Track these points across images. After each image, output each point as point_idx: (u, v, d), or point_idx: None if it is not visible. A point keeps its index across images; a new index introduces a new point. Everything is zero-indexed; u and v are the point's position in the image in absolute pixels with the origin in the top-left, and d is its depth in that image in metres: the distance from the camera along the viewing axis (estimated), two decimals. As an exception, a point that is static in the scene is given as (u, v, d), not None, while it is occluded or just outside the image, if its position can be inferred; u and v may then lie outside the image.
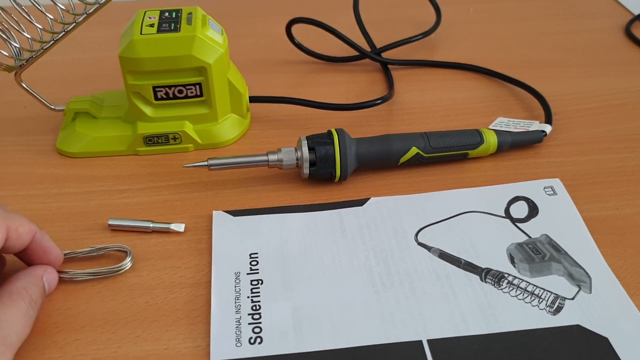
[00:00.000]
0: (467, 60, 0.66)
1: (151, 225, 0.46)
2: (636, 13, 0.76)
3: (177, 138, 0.53)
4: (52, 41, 0.50)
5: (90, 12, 0.49)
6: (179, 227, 0.46)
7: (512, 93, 0.62)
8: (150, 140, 0.53)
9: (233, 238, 0.45)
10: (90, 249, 0.44)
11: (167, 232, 0.46)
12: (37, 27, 0.48)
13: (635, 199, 0.49)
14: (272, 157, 0.49)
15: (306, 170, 0.49)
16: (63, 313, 0.40)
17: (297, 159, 0.49)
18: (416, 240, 0.45)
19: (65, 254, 0.43)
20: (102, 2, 0.49)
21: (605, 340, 0.38)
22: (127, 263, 0.43)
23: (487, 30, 0.73)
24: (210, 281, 0.42)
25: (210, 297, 0.41)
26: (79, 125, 0.54)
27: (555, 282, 0.42)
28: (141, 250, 0.45)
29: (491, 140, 0.51)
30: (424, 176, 0.51)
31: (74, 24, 0.50)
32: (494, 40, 0.71)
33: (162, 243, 0.45)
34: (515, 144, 0.52)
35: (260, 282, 0.42)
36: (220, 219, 0.47)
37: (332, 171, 0.49)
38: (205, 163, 0.48)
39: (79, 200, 0.49)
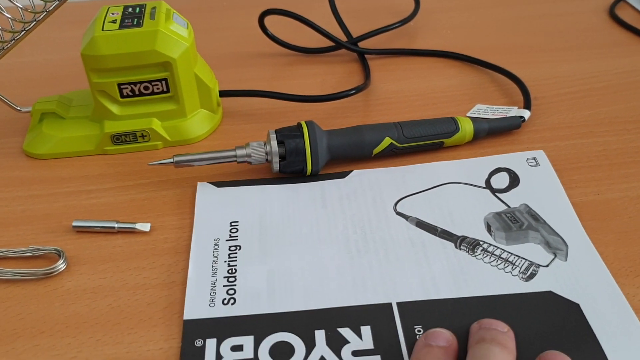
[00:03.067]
0: (447, 48, 0.65)
1: (116, 225, 0.45)
2: (621, -6, 0.74)
3: (146, 136, 0.52)
4: (13, 40, 0.49)
5: (50, 9, 0.48)
6: (145, 226, 0.45)
7: (492, 79, 0.60)
8: (118, 139, 0.51)
9: (215, 207, 0.46)
10: (24, 249, 0.43)
11: (133, 232, 0.45)
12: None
13: (616, 184, 0.47)
14: (240, 152, 0.47)
15: (276, 165, 0.47)
16: (23, 319, 0.39)
17: (266, 154, 0.47)
18: (395, 210, 0.45)
19: None
20: (60, -1, 0.48)
21: (576, 306, 0.38)
22: (61, 265, 0.42)
23: (467, 16, 0.72)
24: (176, 281, 0.41)
25: (176, 296, 0.40)
26: (46, 126, 0.53)
27: (532, 250, 0.42)
28: (106, 252, 0.44)
29: (467, 128, 0.50)
30: (405, 166, 0.49)
31: (35, 22, 0.49)
32: (474, 26, 0.70)
33: (127, 243, 0.44)
34: (492, 131, 0.51)
35: (238, 247, 0.43)
36: (204, 189, 0.47)
37: (303, 165, 0.47)
38: (171, 160, 0.47)
39: (44, 202, 0.48)
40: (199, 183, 0.48)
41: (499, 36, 0.67)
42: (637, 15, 0.70)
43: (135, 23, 0.49)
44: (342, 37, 0.66)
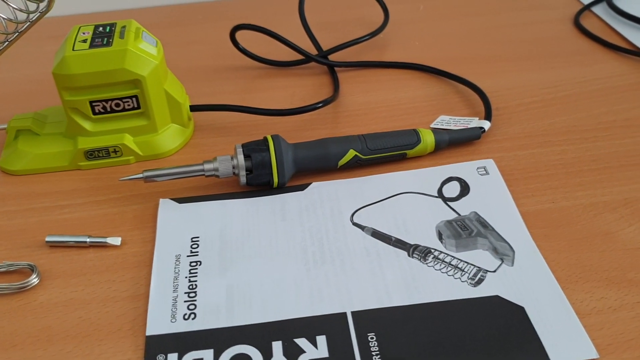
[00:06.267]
0: (415, 59, 0.67)
1: (88, 240, 0.46)
2: (586, 3, 0.76)
3: (118, 151, 0.53)
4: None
5: (33, 19, 0.50)
6: (115, 240, 0.46)
7: (456, 90, 0.62)
8: (91, 154, 0.53)
9: (177, 223, 0.48)
10: None
11: (104, 246, 0.46)
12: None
13: (571, 192, 0.49)
14: (207, 167, 0.49)
15: (243, 179, 0.49)
16: (-4, 332, 0.41)
17: (233, 167, 0.49)
18: (352, 220, 0.47)
19: None
20: (43, 9, 0.49)
21: (521, 309, 0.40)
22: (34, 279, 0.43)
23: (436, 27, 0.74)
24: (143, 293, 0.43)
25: (144, 308, 0.42)
26: (21, 142, 0.54)
27: (480, 256, 0.44)
28: (78, 265, 0.45)
29: (428, 140, 0.52)
30: (362, 177, 0.51)
31: (17, 33, 0.50)
32: (443, 37, 0.72)
33: (99, 257, 0.46)
34: (453, 142, 0.53)
35: (199, 263, 0.44)
36: (165, 205, 0.49)
37: (269, 177, 0.49)
38: (141, 175, 0.48)
39: (19, 217, 0.49)
40: (161, 200, 0.49)
41: (466, 47, 0.69)
42: (601, 24, 0.72)
43: (105, 42, 0.50)
44: (313, 50, 0.68)
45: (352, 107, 0.60)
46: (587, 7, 0.75)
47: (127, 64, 0.49)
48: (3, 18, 0.49)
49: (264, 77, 0.66)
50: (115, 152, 0.53)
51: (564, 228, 0.46)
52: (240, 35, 0.69)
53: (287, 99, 0.62)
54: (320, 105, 0.57)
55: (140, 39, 0.51)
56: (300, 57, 0.67)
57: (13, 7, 0.49)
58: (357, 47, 0.70)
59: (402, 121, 0.58)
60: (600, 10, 0.74)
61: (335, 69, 0.65)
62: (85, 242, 0.46)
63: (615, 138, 0.54)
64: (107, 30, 0.52)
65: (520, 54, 0.67)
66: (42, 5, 0.49)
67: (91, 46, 0.50)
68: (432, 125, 0.56)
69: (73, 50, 0.49)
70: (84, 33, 0.52)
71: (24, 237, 0.48)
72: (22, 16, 0.50)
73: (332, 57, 0.68)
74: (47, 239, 0.46)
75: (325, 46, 0.69)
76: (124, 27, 0.52)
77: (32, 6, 0.49)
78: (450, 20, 0.75)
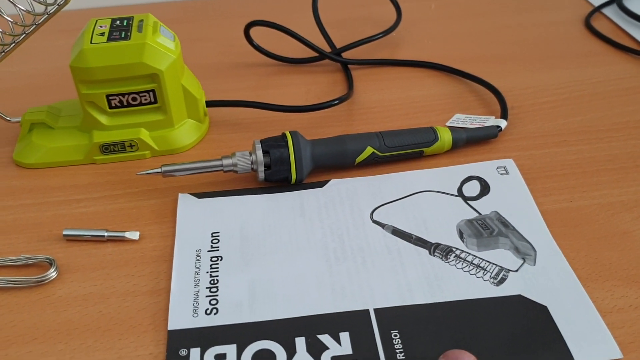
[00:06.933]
0: (428, 57, 0.67)
1: (105, 234, 0.46)
2: (596, 5, 0.76)
3: (134, 145, 0.53)
4: (14, 43, 0.50)
5: (51, 12, 0.49)
6: (134, 235, 0.46)
7: (471, 89, 0.62)
8: (107, 148, 0.53)
9: (196, 218, 0.47)
10: (16, 257, 0.44)
11: (122, 240, 0.46)
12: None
13: (588, 191, 0.49)
14: (226, 162, 0.49)
15: (262, 174, 0.49)
16: (16, 326, 0.40)
17: (252, 163, 0.49)
18: (371, 218, 0.47)
19: None
20: (61, 2, 0.49)
21: (544, 309, 0.40)
22: (52, 273, 0.43)
23: (447, 26, 0.74)
24: (164, 288, 0.43)
25: (164, 303, 0.41)
26: (36, 136, 0.54)
27: (502, 256, 0.44)
28: (96, 260, 0.45)
29: (446, 138, 0.52)
30: (381, 175, 0.51)
31: (35, 25, 0.50)
32: (455, 36, 0.72)
33: (117, 252, 0.45)
34: (470, 140, 0.53)
35: (219, 258, 0.44)
36: (185, 200, 0.49)
37: (287, 174, 0.49)
38: (159, 170, 0.48)
39: (35, 211, 0.49)
40: (180, 194, 0.49)
41: (479, 46, 0.69)
42: (612, 25, 0.72)
43: (123, 36, 0.50)
44: (326, 48, 0.68)
45: (366, 104, 0.60)
46: (598, 9, 0.75)
47: (145, 58, 0.49)
48: (22, 10, 0.48)
49: (277, 73, 0.66)
50: (131, 146, 0.53)
51: (582, 227, 0.46)
52: (252, 32, 0.69)
53: (300, 96, 0.62)
54: (337, 102, 0.57)
55: (158, 33, 0.51)
56: (312, 54, 0.67)
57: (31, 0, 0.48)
58: (368, 45, 0.70)
59: (416, 119, 0.58)
60: (610, 11, 0.75)
61: (349, 66, 0.65)
62: (103, 236, 0.46)
63: (630, 138, 0.54)
64: (125, 23, 0.52)
65: (532, 54, 0.67)
66: (60, -3, 0.49)
67: (109, 39, 0.50)
68: (447, 124, 0.56)
69: (91, 43, 0.49)
70: (101, 26, 0.51)
71: (40, 231, 0.47)
72: (39, 9, 0.50)
73: (345, 55, 0.68)
74: (65, 232, 0.46)
75: (337, 44, 0.69)
76: (141, 21, 0.52)
77: (50, -1, 0.49)
78: (462, 19, 0.75)
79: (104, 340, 0.39)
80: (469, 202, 0.48)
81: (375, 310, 0.40)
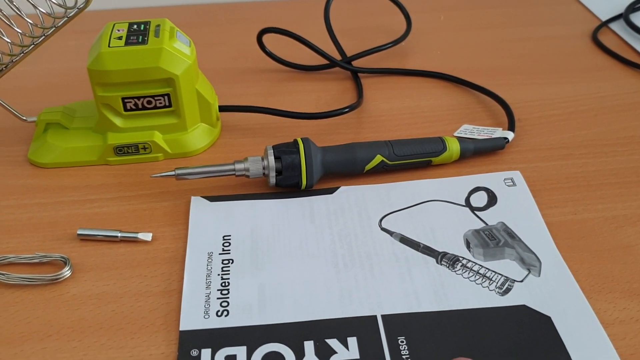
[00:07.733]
0: (437, 68, 0.68)
1: (119, 234, 0.47)
2: (603, 19, 0.77)
3: (147, 148, 0.54)
4: (33, 45, 0.51)
5: (70, 15, 0.50)
6: (147, 236, 0.47)
7: (479, 100, 0.63)
8: (121, 150, 0.54)
9: (208, 221, 0.48)
10: (31, 255, 0.45)
11: (135, 241, 0.47)
12: (17, 31, 0.49)
13: (593, 204, 0.50)
14: (238, 167, 0.50)
15: (273, 180, 0.50)
16: (31, 322, 0.41)
17: (263, 168, 0.50)
18: (380, 225, 0.48)
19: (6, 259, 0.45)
20: (81, 6, 0.50)
21: (548, 319, 0.41)
22: (66, 272, 0.44)
23: (456, 37, 0.75)
24: (176, 289, 0.43)
25: (176, 304, 0.42)
26: (51, 136, 0.55)
27: (507, 266, 0.44)
28: (110, 259, 0.46)
29: (454, 148, 0.53)
30: (389, 183, 0.52)
31: (54, 28, 0.51)
32: (464, 47, 0.73)
33: (130, 252, 0.46)
34: (477, 151, 0.54)
35: (231, 261, 0.45)
36: (197, 203, 0.50)
37: (298, 179, 0.50)
38: (173, 173, 0.49)
39: (49, 210, 0.50)
40: (192, 197, 0.50)
41: (487, 58, 0.70)
42: (618, 40, 0.73)
43: (140, 40, 0.51)
44: (337, 56, 0.69)
45: (375, 113, 0.61)
46: (605, 24, 0.76)
47: (162, 63, 0.50)
48: (42, 12, 0.49)
49: (288, 80, 0.67)
50: (144, 148, 0.54)
51: (586, 239, 0.47)
52: (264, 39, 0.70)
53: (310, 103, 0.63)
54: (347, 110, 0.58)
55: (174, 38, 0.52)
56: (323, 61, 0.68)
57: (52, 2, 0.49)
58: (378, 54, 0.71)
59: (424, 129, 0.59)
60: (617, 26, 0.76)
61: (359, 74, 0.66)
62: (117, 236, 0.47)
63: (635, 153, 0.55)
64: (142, 28, 0.52)
65: (539, 68, 0.68)
66: (80, 1, 0.50)
67: (127, 43, 0.51)
68: (455, 134, 0.57)
69: (109, 46, 0.50)
70: (118, 30, 0.52)
71: (55, 230, 0.48)
72: (59, 11, 0.50)
73: (355, 64, 0.69)
74: (79, 232, 0.47)
75: (347, 52, 0.70)
76: (158, 25, 0.53)
77: (70, 2, 0.50)
78: (471, 31, 0.76)
79: (116, 338, 0.40)
80: (476, 212, 0.48)
81: (383, 316, 0.41)
